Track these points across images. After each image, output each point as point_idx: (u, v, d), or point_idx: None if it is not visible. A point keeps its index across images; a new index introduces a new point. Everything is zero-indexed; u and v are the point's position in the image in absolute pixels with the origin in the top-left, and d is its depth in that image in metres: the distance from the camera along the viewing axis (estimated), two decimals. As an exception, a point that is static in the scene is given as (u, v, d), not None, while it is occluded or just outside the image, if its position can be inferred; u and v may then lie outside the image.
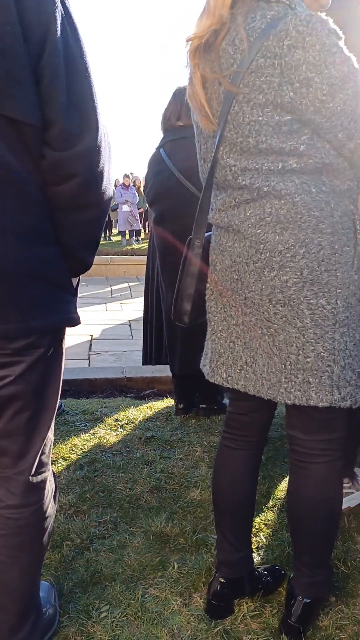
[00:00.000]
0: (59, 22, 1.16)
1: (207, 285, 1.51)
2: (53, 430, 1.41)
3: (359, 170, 1.35)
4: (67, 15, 1.20)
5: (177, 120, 2.78)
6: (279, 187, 1.30)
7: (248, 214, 1.35)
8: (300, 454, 1.51)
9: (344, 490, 2.14)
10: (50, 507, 1.42)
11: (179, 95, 2.76)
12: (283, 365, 1.38)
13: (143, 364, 3.46)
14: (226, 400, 3.17)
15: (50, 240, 1.26)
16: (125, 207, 15.61)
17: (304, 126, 1.29)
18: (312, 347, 1.34)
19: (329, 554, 1.59)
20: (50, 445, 1.41)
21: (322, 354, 1.34)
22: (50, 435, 1.39)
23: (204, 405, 3.12)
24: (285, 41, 1.23)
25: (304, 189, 1.30)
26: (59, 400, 3.35)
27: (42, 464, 1.38)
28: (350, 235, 1.34)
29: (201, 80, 1.38)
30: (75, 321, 1.32)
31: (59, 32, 1.16)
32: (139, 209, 15.85)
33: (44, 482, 1.39)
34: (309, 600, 1.56)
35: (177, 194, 2.75)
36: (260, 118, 1.28)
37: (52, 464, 2.52)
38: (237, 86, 1.28)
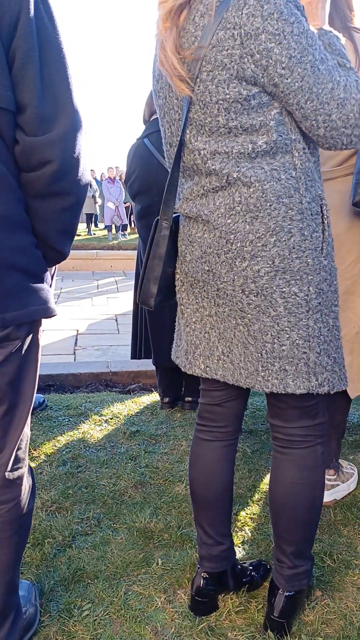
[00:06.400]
0: (32, 1, 1.12)
1: (176, 275, 1.49)
2: (29, 425, 1.37)
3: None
4: None
5: None
6: (248, 173, 1.28)
7: (217, 203, 1.33)
8: (281, 440, 1.51)
9: (330, 483, 2.13)
10: (28, 503, 1.38)
11: None
12: (259, 354, 1.38)
13: (132, 358, 3.44)
14: None
15: (26, 229, 1.22)
16: (110, 205, 15.57)
17: (274, 99, 1.27)
18: (287, 335, 1.34)
19: (311, 543, 1.57)
20: (27, 441, 1.37)
21: (297, 341, 1.35)
22: (27, 430, 1.35)
23: (190, 398, 3.10)
24: (244, 10, 1.19)
25: (273, 176, 1.29)
26: (42, 395, 3.31)
27: (18, 460, 1.34)
28: (318, 220, 1.34)
29: (174, 43, 1.30)
30: (51, 312, 1.28)
31: (32, 12, 1.12)
32: (125, 203, 15.78)
33: (20, 478, 1.35)
34: (290, 593, 1.54)
35: None
36: (228, 95, 1.24)
37: (34, 459, 2.49)
38: (200, 64, 1.25)
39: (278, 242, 1.30)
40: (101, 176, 18.36)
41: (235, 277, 1.34)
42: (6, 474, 1.31)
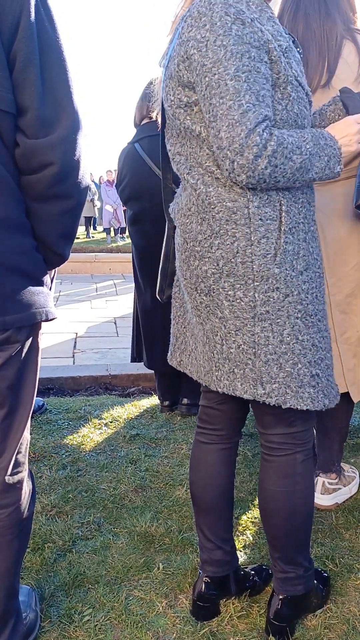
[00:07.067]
0: (32, 4, 1.13)
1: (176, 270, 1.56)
2: (29, 428, 1.36)
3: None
4: None
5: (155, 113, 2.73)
6: (196, 177, 1.33)
7: (182, 203, 1.40)
8: (264, 447, 1.52)
9: (332, 487, 2.12)
10: (28, 508, 1.37)
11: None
12: (212, 354, 1.40)
13: (132, 361, 3.43)
14: None
15: (25, 231, 1.22)
16: (109, 208, 15.62)
17: None
18: (233, 339, 1.35)
19: (301, 550, 1.54)
20: (27, 445, 1.36)
21: (242, 346, 1.34)
22: (27, 434, 1.34)
23: (187, 400, 3.04)
24: (187, 20, 1.27)
25: (219, 183, 1.30)
26: (41, 398, 3.30)
27: (18, 464, 1.33)
28: (273, 226, 1.30)
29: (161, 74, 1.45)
30: (51, 315, 1.27)
31: (33, 15, 1.13)
32: (124, 206, 15.81)
33: (20, 482, 1.34)
34: (285, 597, 1.53)
35: (158, 193, 2.69)
36: (173, 102, 1.34)
37: (33, 463, 2.48)
38: (164, 74, 1.36)
39: (222, 245, 1.30)
40: (99, 179, 18.38)
41: (191, 276, 1.38)
42: (6, 478, 1.30)
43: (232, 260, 1.30)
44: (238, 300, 1.31)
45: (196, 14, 1.24)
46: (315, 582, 1.61)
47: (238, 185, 1.26)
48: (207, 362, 1.42)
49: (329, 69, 1.81)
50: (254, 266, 1.29)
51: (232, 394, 1.37)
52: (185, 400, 3.06)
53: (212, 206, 1.30)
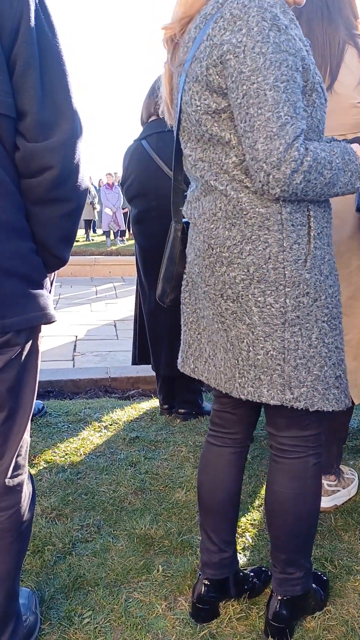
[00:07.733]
0: (32, 9, 1.14)
1: (184, 275, 1.52)
2: (29, 431, 1.37)
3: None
4: (42, 3, 1.17)
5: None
6: (225, 183, 1.31)
7: (204, 208, 1.37)
8: (274, 448, 1.52)
9: (331, 489, 2.12)
10: (28, 510, 1.38)
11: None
12: (236, 361, 1.38)
13: (132, 364, 3.42)
14: (207, 404, 3.12)
15: (26, 235, 1.23)
16: (108, 211, 15.64)
17: None
18: (262, 345, 1.33)
19: (304, 553, 1.55)
20: (27, 447, 1.37)
21: (271, 352, 1.32)
22: (27, 436, 1.35)
23: (183, 410, 3.06)
24: (219, 22, 1.22)
25: (248, 190, 1.29)
26: (41, 401, 3.30)
27: (18, 466, 1.33)
28: (303, 232, 1.30)
29: (168, 72, 1.42)
30: (51, 318, 1.28)
31: (32, 20, 1.14)
32: (123, 209, 15.82)
33: (20, 485, 1.34)
34: (284, 598, 1.54)
35: (166, 191, 2.69)
36: (199, 107, 1.29)
37: (34, 466, 2.48)
38: (185, 76, 1.31)
39: (253, 251, 1.29)
40: (99, 182, 18.41)
41: (216, 282, 1.36)
42: (6, 480, 1.31)
43: (264, 266, 1.28)
44: (268, 307, 1.30)
45: (229, 16, 1.19)
46: (314, 585, 1.61)
47: (269, 196, 1.24)
48: (229, 369, 1.40)
49: (331, 74, 1.82)
50: (286, 272, 1.28)
51: (257, 400, 1.35)
52: (181, 410, 3.07)
53: (244, 212, 1.28)
